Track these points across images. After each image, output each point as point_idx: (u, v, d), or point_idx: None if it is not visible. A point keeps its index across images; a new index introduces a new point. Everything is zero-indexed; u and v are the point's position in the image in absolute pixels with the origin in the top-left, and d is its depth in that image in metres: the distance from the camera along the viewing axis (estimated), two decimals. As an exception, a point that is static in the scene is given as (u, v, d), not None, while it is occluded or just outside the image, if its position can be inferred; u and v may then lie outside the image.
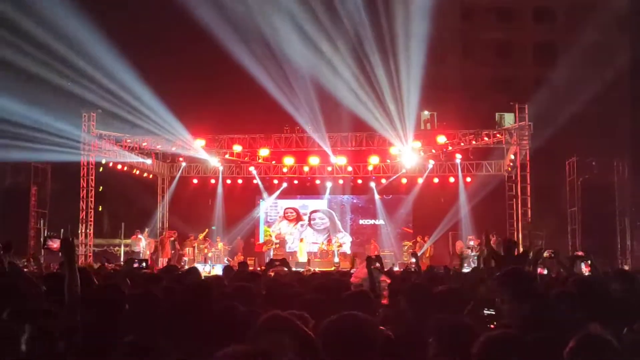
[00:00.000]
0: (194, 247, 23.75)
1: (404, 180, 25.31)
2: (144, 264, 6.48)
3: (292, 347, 2.63)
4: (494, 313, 3.79)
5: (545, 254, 6.93)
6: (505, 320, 3.66)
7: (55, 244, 4.34)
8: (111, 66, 20.02)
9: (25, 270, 8.25)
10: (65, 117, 20.64)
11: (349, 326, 2.62)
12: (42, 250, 21.05)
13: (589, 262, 7.51)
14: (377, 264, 6.06)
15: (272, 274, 7.11)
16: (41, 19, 18.63)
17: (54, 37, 18.94)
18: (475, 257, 16.97)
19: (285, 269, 6.92)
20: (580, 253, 8.30)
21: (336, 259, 23.53)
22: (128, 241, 23.20)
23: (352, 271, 8.48)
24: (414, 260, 11.43)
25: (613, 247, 20.83)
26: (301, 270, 13.89)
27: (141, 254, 22.16)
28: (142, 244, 22.57)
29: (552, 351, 3.02)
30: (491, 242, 20.42)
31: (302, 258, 23.70)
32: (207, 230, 24.43)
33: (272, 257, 21.29)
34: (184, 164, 25.46)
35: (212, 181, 26.35)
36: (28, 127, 19.35)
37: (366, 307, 3.72)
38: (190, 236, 23.92)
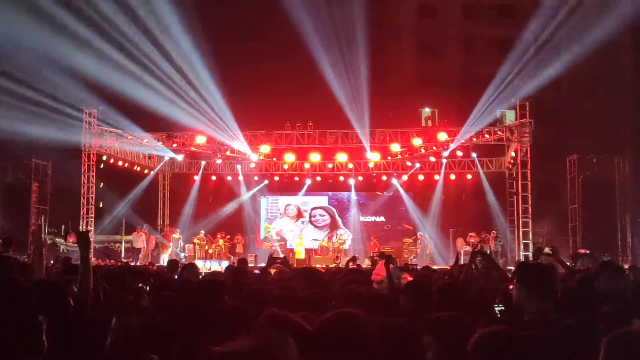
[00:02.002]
0: (194, 244, 23.77)
1: (405, 177, 25.33)
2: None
3: (293, 345, 2.62)
4: (503, 308, 3.70)
5: (546, 250, 6.90)
6: (526, 317, 3.49)
7: (72, 237, 4.58)
8: (116, 58, 19.71)
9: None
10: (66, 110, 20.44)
11: (342, 323, 2.61)
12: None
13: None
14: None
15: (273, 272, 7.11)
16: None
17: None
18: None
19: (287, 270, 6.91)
20: (583, 250, 8.24)
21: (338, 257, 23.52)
22: (129, 237, 23.22)
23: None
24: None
25: (614, 244, 20.82)
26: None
27: (142, 250, 22.23)
28: (143, 240, 22.61)
29: (550, 348, 3.01)
30: (492, 238, 20.26)
31: (301, 255, 23.67)
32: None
33: (272, 254, 21.23)
34: (184, 160, 25.46)
35: (213, 178, 26.39)
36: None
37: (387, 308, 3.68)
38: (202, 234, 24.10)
